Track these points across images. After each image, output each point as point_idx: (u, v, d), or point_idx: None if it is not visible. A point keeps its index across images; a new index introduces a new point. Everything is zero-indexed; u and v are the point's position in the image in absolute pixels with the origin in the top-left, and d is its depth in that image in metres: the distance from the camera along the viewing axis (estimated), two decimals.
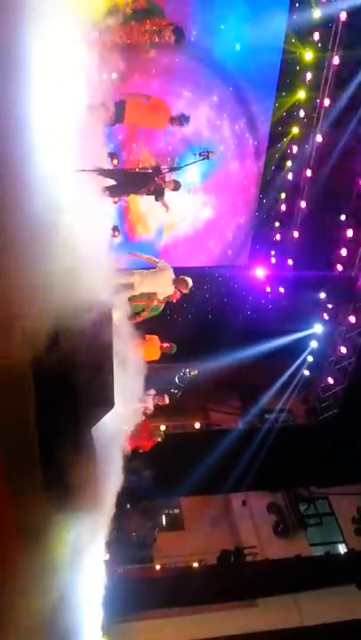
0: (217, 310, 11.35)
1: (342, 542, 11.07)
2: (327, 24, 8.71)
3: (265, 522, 11.10)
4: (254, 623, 9.64)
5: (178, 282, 7.35)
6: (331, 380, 10.79)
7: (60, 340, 3.33)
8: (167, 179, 7.02)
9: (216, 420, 12.08)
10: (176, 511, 11.48)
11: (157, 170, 6.87)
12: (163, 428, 9.61)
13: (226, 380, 11.54)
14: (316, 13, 8.58)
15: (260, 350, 10.47)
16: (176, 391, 7.53)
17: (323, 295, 10.29)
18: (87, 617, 6.28)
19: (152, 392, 8.01)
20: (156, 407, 8.40)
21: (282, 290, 11.24)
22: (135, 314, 7.43)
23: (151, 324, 8.20)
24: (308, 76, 9.31)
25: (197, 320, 11.00)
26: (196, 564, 10.24)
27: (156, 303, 7.54)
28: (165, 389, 7.57)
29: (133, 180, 6.92)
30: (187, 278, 7.39)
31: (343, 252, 9.76)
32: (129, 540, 10.23)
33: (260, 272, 11.40)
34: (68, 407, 3.48)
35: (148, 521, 10.68)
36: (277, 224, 11.29)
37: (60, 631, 4.91)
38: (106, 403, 4.08)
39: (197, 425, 11.53)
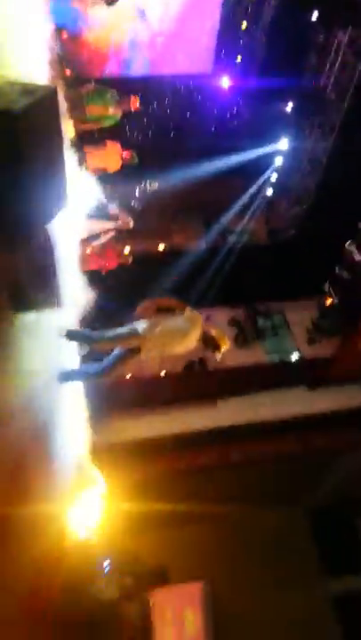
0: (179, 125, 10.77)
1: (296, 351, 12.04)
2: None
3: (226, 335, 11.83)
4: (216, 419, 10.91)
5: (209, 341, 4.93)
6: (293, 200, 10.76)
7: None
8: None
9: (179, 242, 12.16)
10: None
11: None
12: (127, 249, 9.68)
13: (188, 202, 11.43)
14: None
15: (224, 168, 10.21)
16: (137, 205, 7.40)
17: (290, 106, 9.74)
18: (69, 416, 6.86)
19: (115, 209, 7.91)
20: (119, 231, 8.38)
21: (247, 103, 10.56)
22: (88, 122, 7.02)
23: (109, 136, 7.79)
24: None
25: (158, 136, 10.49)
26: (163, 374, 11.13)
27: (112, 112, 7.07)
28: (126, 205, 7.40)
29: None
30: (221, 337, 5.01)
31: (312, 58, 9.06)
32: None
33: (224, 82, 10.57)
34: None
35: None
36: (244, 25, 10.19)
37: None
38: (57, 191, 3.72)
39: (161, 246, 11.61)
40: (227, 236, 11.49)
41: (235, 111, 10.78)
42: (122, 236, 8.67)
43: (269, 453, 11.43)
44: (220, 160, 10.19)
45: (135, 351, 4.78)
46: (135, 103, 7.04)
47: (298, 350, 11.81)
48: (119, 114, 7.08)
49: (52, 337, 4.85)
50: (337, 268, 9.90)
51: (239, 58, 10.57)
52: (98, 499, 7.31)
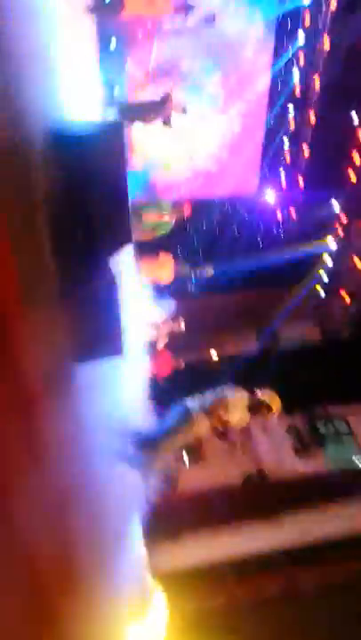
0: (227, 242, 11.12)
1: None
2: None
3: (285, 444, 11.20)
4: (282, 537, 9.90)
5: (259, 406, 4.69)
6: (346, 298, 10.59)
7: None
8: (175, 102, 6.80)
9: (231, 349, 12.03)
10: None
11: (167, 98, 6.71)
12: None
13: (238, 312, 11.45)
14: None
15: (272, 279, 10.33)
16: (192, 290, 7.42)
17: (336, 208, 9.91)
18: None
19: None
20: (172, 336, 8.37)
21: (293, 211, 10.87)
22: (144, 230, 7.28)
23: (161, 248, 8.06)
24: None
25: (207, 254, 10.83)
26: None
27: (167, 219, 7.36)
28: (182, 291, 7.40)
29: (144, 110, 6.88)
30: (272, 397, 4.70)
31: (356, 159, 9.33)
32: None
33: (269, 197, 11.02)
34: (84, 235, 3.25)
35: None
36: (287, 141, 10.78)
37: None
38: (123, 233, 3.71)
39: (214, 355, 11.51)
40: (279, 339, 11.29)
41: (281, 222, 11.08)
42: (173, 348, 8.68)
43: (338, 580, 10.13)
44: (268, 268, 10.32)
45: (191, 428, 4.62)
46: (188, 209, 7.31)
47: None
48: (173, 221, 7.34)
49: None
50: None
51: (283, 174, 11.08)
52: (158, 627, 6.49)
